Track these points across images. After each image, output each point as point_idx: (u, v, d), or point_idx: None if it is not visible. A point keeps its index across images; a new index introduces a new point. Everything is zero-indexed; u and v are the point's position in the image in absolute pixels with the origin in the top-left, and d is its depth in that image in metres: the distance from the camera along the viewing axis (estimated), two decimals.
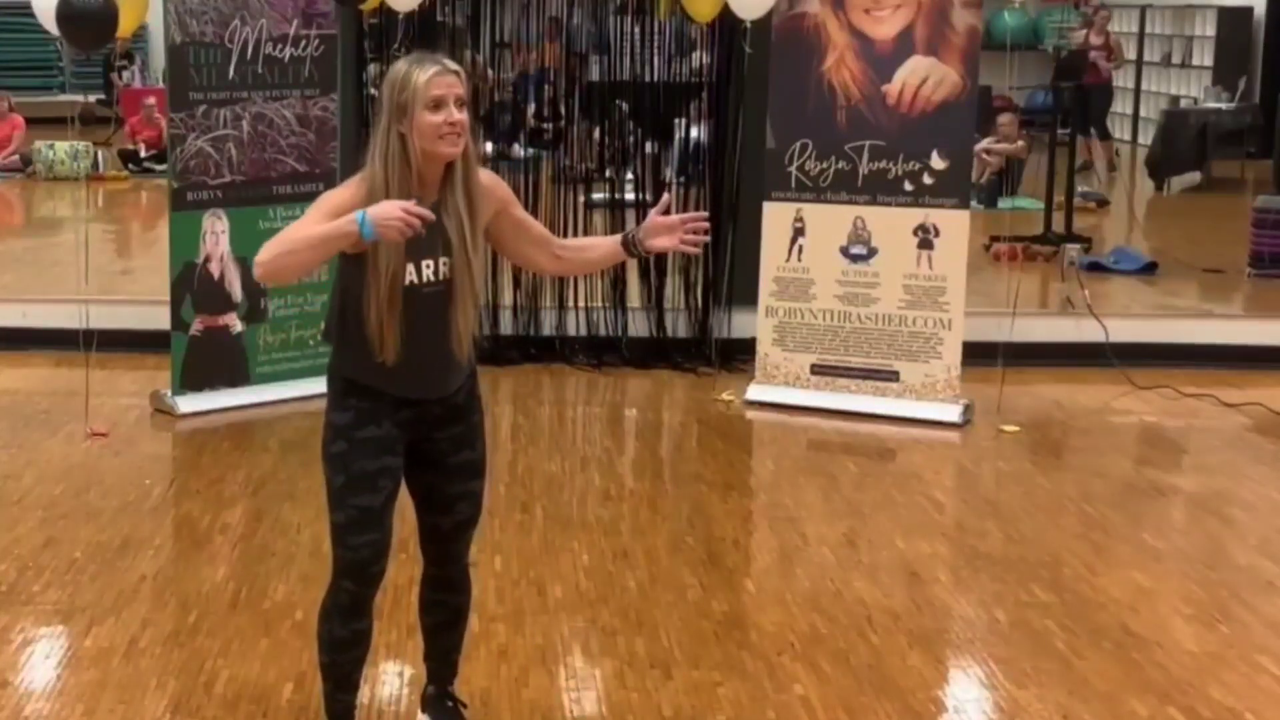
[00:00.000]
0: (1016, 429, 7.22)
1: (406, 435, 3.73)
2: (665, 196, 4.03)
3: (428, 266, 3.62)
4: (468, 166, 3.63)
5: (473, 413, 3.85)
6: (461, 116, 3.55)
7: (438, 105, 3.53)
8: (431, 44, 8.59)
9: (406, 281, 3.58)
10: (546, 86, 10.39)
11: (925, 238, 7.35)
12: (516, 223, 3.84)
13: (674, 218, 3.81)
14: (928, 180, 7.33)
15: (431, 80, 3.54)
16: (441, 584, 3.98)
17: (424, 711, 4.12)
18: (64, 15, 6.86)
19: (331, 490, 3.72)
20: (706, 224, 3.87)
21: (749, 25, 7.66)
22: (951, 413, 7.30)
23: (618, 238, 3.87)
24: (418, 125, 3.53)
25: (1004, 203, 12.64)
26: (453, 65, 3.59)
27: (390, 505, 3.73)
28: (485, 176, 3.77)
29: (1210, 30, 17.59)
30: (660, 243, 3.79)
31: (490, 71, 8.88)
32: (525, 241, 3.87)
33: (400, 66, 3.60)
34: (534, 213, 8.55)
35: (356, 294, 3.59)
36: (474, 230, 3.65)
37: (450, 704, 4.08)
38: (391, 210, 3.39)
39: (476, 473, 3.87)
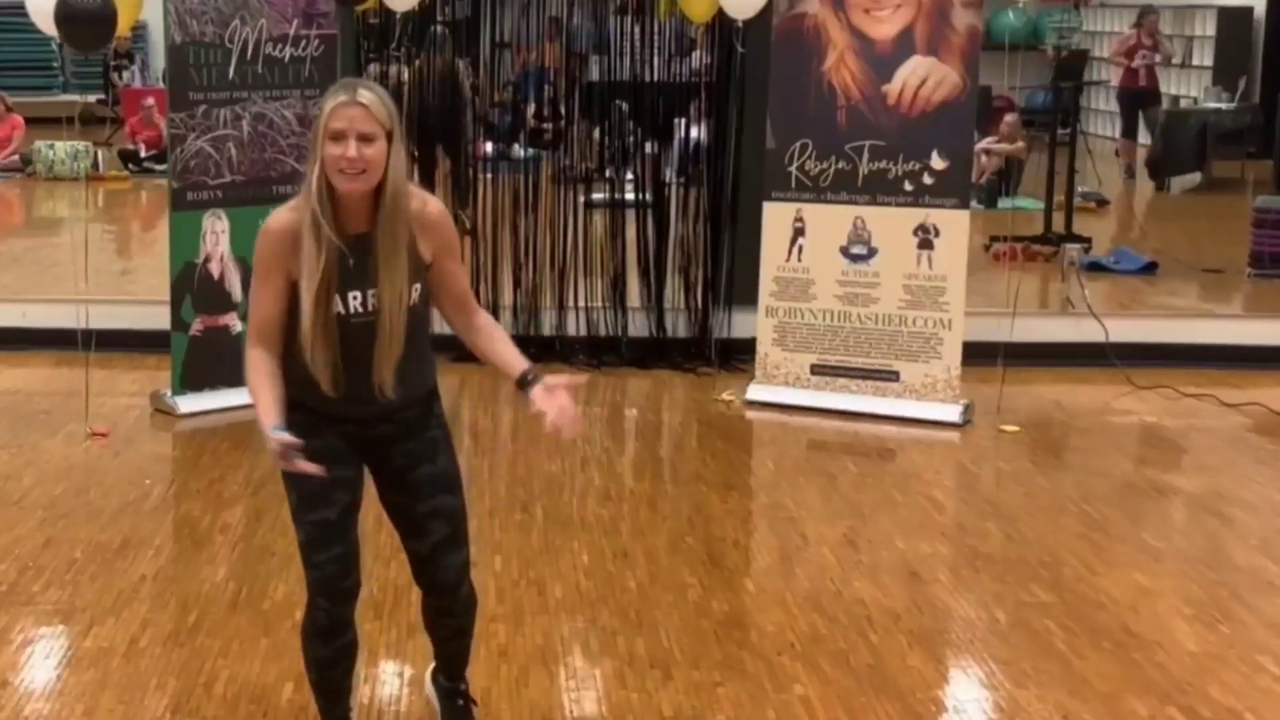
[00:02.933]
0: (1016, 429, 7.22)
1: (357, 449, 3.69)
2: (584, 379, 3.89)
3: (354, 298, 3.54)
4: (388, 198, 3.49)
5: (428, 429, 3.75)
6: (366, 152, 3.42)
7: (337, 137, 3.43)
8: (430, 44, 8.62)
9: (336, 312, 3.53)
10: (546, 86, 10.39)
11: (925, 238, 7.35)
12: (443, 272, 3.66)
13: (567, 399, 3.60)
14: (928, 180, 7.33)
15: (334, 111, 3.44)
16: (440, 610, 3.94)
17: (432, 683, 4.10)
18: (63, 16, 6.86)
19: (291, 510, 3.69)
20: (574, 431, 3.65)
21: (741, 25, 7.67)
22: (951, 413, 7.30)
23: (523, 368, 3.66)
24: (322, 155, 3.45)
25: (1004, 203, 12.66)
26: (365, 96, 3.45)
27: (349, 518, 3.68)
28: (434, 211, 3.63)
29: (1210, 30, 17.59)
30: (542, 404, 3.58)
31: (474, 78, 8.88)
32: (444, 295, 3.70)
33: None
34: (534, 212, 8.60)
35: (292, 321, 3.55)
36: (398, 264, 3.52)
37: (461, 703, 4.07)
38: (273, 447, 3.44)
39: (444, 488, 3.77)
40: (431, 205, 3.65)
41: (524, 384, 3.64)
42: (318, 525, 3.63)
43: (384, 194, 3.50)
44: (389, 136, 3.48)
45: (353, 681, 3.95)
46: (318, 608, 3.71)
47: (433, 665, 4.13)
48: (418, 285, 3.59)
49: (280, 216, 3.56)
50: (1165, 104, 17.19)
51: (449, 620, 3.96)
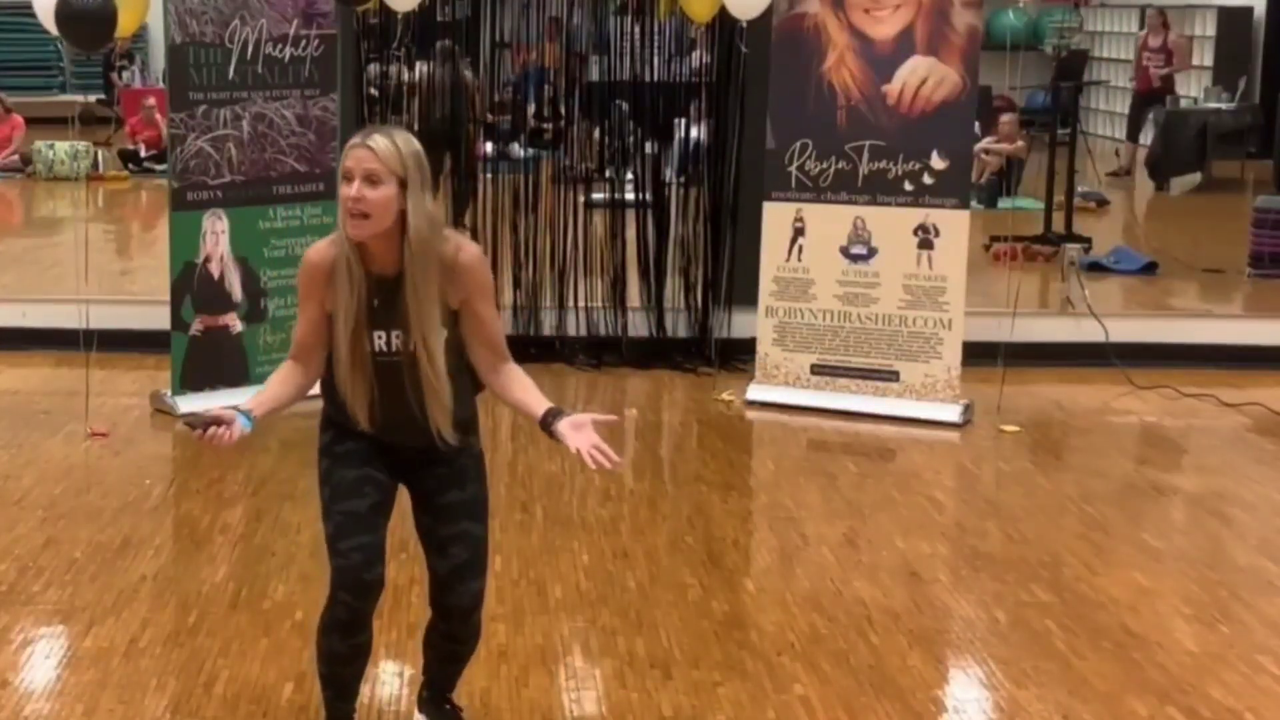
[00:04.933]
0: (1016, 429, 7.22)
1: (389, 460, 3.75)
2: (614, 418, 3.88)
3: (379, 338, 3.61)
4: (412, 245, 3.51)
5: (460, 456, 3.78)
6: (369, 194, 3.45)
7: (346, 177, 3.49)
8: (430, 44, 8.62)
9: (367, 349, 3.62)
10: (546, 86, 10.39)
11: (925, 238, 7.35)
12: (475, 316, 3.67)
13: (591, 431, 3.60)
14: (928, 180, 7.33)
15: (346, 151, 3.52)
16: (447, 635, 3.94)
17: (421, 711, 4.12)
18: (64, 15, 6.86)
19: (322, 505, 3.76)
20: (615, 461, 3.59)
21: (744, 25, 7.67)
22: (951, 413, 7.30)
23: (545, 408, 3.66)
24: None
25: (1004, 203, 12.66)
26: (376, 141, 3.48)
27: (379, 513, 3.73)
28: (468, 256, 3.62)
29: (1210, 30, 17.59)
30: (571, 440, 3.57)
31: (475, 79, 8.88)
32: (475, 338, 3.70)
33: None
34: (534, 213, 8.60)
35: (331, 351, 3.69)
36: (428, 310, 3.55)
37: (448, 708, 4.08)
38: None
39: (469, 515, 3.80)
40: (465, 252, 3.63)
41: (548, 423, 3.63)
42: (346, 515, 3.69)
43: (406, 240, 3.52)
44: (402, 184, 3.49)
45: (360, 686, 3.96)
46: (339, 601, 3.72)
47: (420, 689, 4.14)
48: (444, 331, 3.61)
49: (319, 248, 3.64)
50: (1165, 104, 17.20)
51: (452, 646, 3.98)
